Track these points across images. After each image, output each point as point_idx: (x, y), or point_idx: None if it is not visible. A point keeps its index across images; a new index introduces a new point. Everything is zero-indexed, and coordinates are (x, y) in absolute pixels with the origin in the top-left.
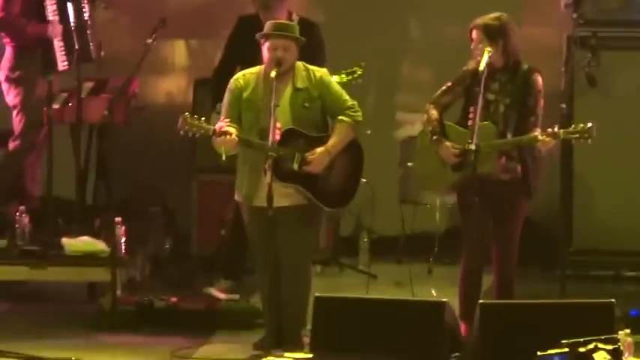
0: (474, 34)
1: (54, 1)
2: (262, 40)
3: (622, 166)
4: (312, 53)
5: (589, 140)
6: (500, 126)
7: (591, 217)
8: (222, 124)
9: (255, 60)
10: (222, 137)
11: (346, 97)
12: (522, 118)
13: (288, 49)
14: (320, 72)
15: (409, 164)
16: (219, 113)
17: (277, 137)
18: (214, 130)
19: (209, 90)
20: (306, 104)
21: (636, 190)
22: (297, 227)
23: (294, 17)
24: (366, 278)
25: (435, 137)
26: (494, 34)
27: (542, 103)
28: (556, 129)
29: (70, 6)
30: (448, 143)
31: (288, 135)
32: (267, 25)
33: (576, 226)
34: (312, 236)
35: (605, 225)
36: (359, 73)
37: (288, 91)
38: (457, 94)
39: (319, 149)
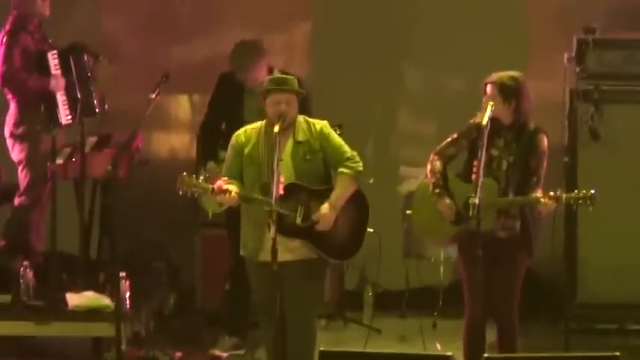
0: (489, 89)
1: (55, 55)
2: (263, 96)
3: (626, 218)
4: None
5: (590, 208)
6: (501, 183)
7: (595, 270)
8: (221, 182)
9: (239, 115)
10: (222, 195)
11: (346, 148)
12: (524, 177)
13: (290, 102)
14: (320, 124)
15: (408, 212)
16: (207, 170)
17: (281, 192)
18: (213, 188)
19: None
20: (308, 157)
21: None
22: (303, 282)
23: (276, 72)
24: (370, 332)
25: (437, 191)
26: (509, 93)
27: (545, 164)
28: (559, 192)
29: (72, 60)
30: (448, 201)
31: (290, 189)
32: (267, 80)
33: (580, 279)
34: (318, 290)
35: (609, 278)
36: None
37: (289, 144)
38: (462, 146)
39: (324, 207)
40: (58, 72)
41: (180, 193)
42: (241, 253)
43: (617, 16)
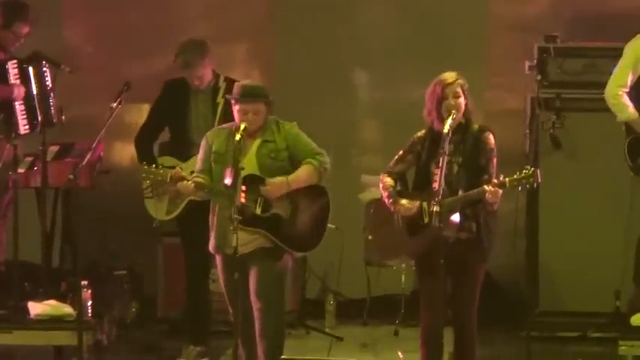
0: (456, 89)
1: (15, 65)
2: (233, 102)
3: (587, 227)
4: None
5: (534, 184)
6: (454, 186)
7: (557, 278)
8: (178, 169)
9: (186, 119)
10: (180, 183)
11: (314, 145)
12: (475, 176)
13: (258, 112)
14: (289, 125)
15: (369, 237)
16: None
17: (242, 200)
18: (172, 175)
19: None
20: (272, 155)
21: (601, 250)
22: (266, 265)
23: (222, 77)
24: (332, 340)
25: (391, 200)
26: (466, 89)
27: (494, 161)
28: (502, 178)
29: (31, 70)
30: (404, 200)
31: (249, 180)
32: (236, 89)
33: (542, 287)
34: (282, 275)
35: (570, 286)
36: None
37: (255, 143)
38: (409, 162)
39: (278, 178)
40: (18, 81)
41: (143, 180)
42: (209, 249)
43: (577, 25)
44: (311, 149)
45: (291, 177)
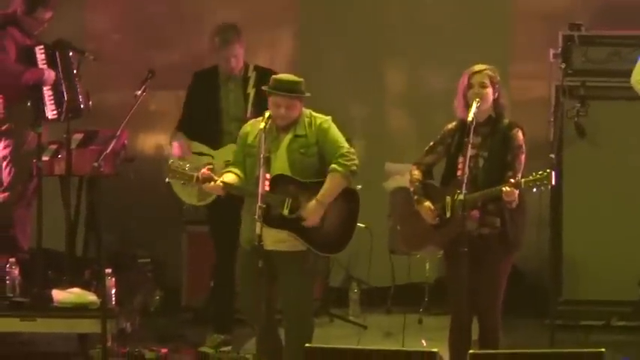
0: (482, 79)
1: (42, 50)
2: (267, 93)
3: (611, 215)
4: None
5: (548, 186)
6: (478, 179)
7: (581, 267)
8: (205, 170)
9: (217, 107)
10: (207, 183)
11: (343, 143)
12: (500, 172)
13: (292, 107)
14: (321, 119)
15: (398, 228)
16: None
17: (267, 188)
18: (197, 176)
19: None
20: (302, 150)
21: (625, 239)
22: (295, 274)
23: (251, 67)
24: (356, 329)
25: (416, 197)
26: (496, 82)
27: (522, 158)
28: (518, 178)
29: (57, 55)
30: (427, 203)
31: (277, 181)
32: (273, 81)
33: (565, 275)
34: (310, 283)
35: (594, 274)
36: None
37: (287, 138)
38: (440, 153)
39: (311, 203)
40: (45, 66)
41: (167, 180)
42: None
43: (602, 13)
44: (337, 148)
45: (321, 195)
